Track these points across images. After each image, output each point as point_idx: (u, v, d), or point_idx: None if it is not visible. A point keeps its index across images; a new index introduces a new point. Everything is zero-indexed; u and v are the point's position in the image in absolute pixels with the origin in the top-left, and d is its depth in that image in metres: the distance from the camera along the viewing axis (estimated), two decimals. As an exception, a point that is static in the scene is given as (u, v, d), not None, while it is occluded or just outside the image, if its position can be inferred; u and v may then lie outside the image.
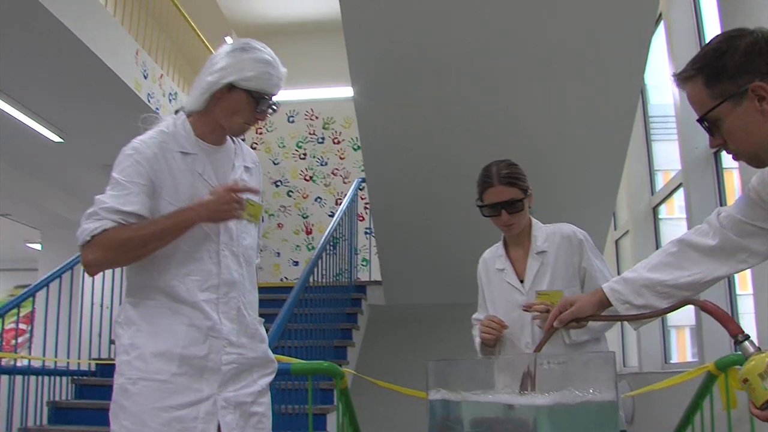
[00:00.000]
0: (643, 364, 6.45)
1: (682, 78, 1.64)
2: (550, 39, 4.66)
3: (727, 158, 5.06)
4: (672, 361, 6.37)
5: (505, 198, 2.70)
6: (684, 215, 5.62)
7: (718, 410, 4.14)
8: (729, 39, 1.60)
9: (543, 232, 2.80)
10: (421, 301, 7.72)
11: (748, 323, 4.48)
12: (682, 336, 6.63)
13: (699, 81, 1.60)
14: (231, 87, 2.20)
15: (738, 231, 1.83)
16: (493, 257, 2.91)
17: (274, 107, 2.32)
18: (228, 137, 2.36)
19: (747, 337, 1.46)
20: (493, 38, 4.70)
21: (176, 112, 2.32)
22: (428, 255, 6.74)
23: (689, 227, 5.21)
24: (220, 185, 2.20)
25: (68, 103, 7.01)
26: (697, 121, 1.63)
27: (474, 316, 2.92)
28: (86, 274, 2.17)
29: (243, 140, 2.50)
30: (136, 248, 2.09)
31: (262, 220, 2.49)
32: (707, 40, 5.12)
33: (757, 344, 1.45)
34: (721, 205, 5.09)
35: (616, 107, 5.19)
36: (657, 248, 6.52)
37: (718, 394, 4.08)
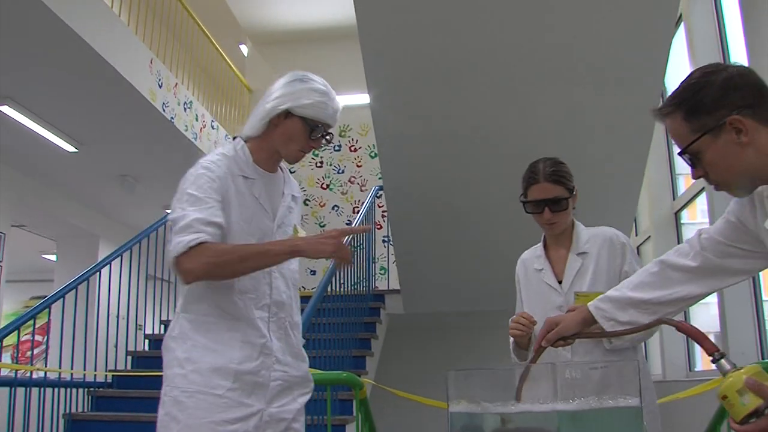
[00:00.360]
0: (667, 372, 6.35)
1: (663, 113, 1.70)
2: (568, 43, 4.61)
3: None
4: (697, 369, 6.26)
5: (550, 195, 2.67)
6: (707, 219, 5.52)
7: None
8: (705, 75, 1.67)
9: (585, 234, 2.77)
10: (440, 310, 7.66)
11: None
12: (707, 344, 6.52)
13: (678, 116, 1.67)
14: (288, 114, 2.31)
15: (718, 253, 1.87)
16: (532, 257, 2.87)
17: (329, 137, 2.40)
18: (279, 166, 2.46)
19: (723, 355, 1.50)
20: (509, 44, 4.65)
21: (234, 138, 2.45)
22: (447, 263, 6.68)
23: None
24: (271, 210, 2.36)
25: (82, 112, 7.02)
26: (679, 154, 1.69)
27: (511, 318, 2.87)
28: (182, 281, 2.19)
29: (291, 171, 2.61)
30: (233, 262, 2.16)
31: None
32: (729, 42, 5.06)
33: (733, 362, 1.48)
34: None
35: (636, 110, 5.12)
36: (680, 254, 6.42)
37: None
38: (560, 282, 2.75)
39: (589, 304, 2.01)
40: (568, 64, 4.78)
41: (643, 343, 2.80)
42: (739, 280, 1.90)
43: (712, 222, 5.13)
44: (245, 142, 2.39)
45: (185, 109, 8.14)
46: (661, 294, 1.92)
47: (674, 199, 6.57)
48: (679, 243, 6.46)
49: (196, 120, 8.51)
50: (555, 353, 2.68)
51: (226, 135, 9.65)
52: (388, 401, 6.23)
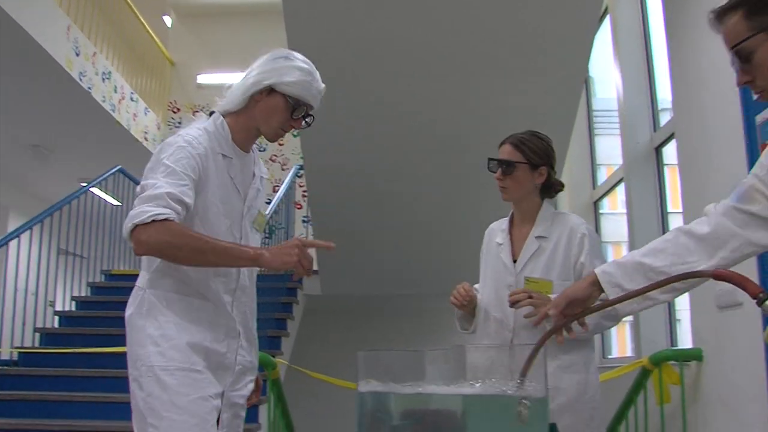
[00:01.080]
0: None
1: (724, 10, 1.68)
2: (495, 30, 4.61)
3: (668, 154, 5.08)
4: (611, 356, 6.38)
5: (505, 157, 2.69)
6: (625, 210, 5.61)
7: (652, 405, 4.13)
8: None
9: (549, 218, 2.73)
10: (358, 292, 7.64)
11: (686, 319, 4.49)
12: (623, 332, 6.65)
13: (739, 13, 1.66)
14: (270, 90, 2.25)
15: (734, 219, 1.79)
16: (497, 230, 2.85)
17: (310, 119, 2.34)
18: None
19: None
20: (436, 31, 4.63)
21: (211, 113, 2.34)
22: (366, 245, 6.64)
23: (629, 223, 5.21)
24: (242, 191, 2.31)
25: (-5, 79, 6.71)
26: (731, 50, 1.67)
27: (475, 285, 2.85)
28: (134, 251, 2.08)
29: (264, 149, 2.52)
30: (190, 250, 2.07)
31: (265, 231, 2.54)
32: (651, 35, 5.12)
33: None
34: (661, 201, 5.12)
35: (560, 99, 5.16)
36: (597, 242, 6.53)
37: (652, 389, 4.07)
38: (515, 261, 2.72)
39: (596, 269, 1.90)
40: (494, 52, 4.78)
41: (592, 339, 2.76)
42: (753, 251, 1.79)
43: (629, 213, 5.22)
44: (223, 117, 2.31)
45: (103, 80, 7.88)
46: (672, 261, 1.80)
47: (594, 188, 6.66)
48: (597, 231, 6.57)
49: (115, 91, 8.25)
50: (501, 333, 2.66)
51: (146, 108, 9.40)
52: (303, 383, 6.17)
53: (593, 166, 6.78)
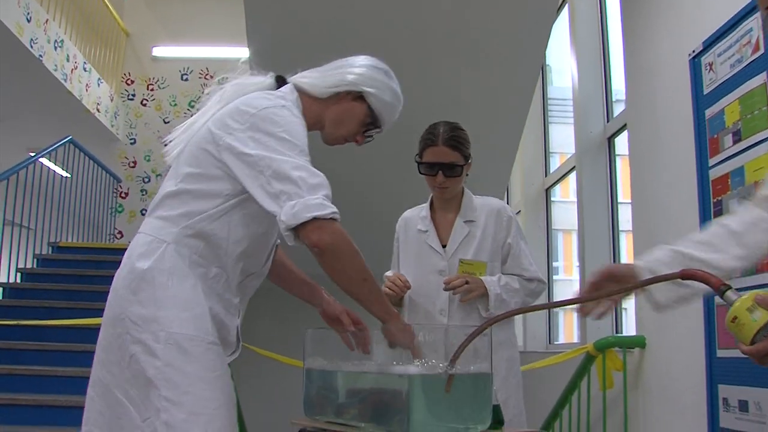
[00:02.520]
0: (528, 343, 6.53)
1: None
2: (451, 17, 4.62)
3: (620, 144, 5.15)
4: (557, 342, 6.47)
5: (445, 160, 2.70)
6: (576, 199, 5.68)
7: (595, 390, 4.21)
8: None
9: (473, 201, 2.82)
10: (308, 270, 7.60)
11: (632, 308, 4.56)
12: (570, 318, 6.75)
13: None
14: (359, 97, 2.12)
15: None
16: (415, 217, 2.88)
17: (370, 138, 2.21)
18: None
19: (729, 287, 1.44)
20: (395, 17, 4.63)
21: (279, 78, 2.16)
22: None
23: (579, 211, 5.27)
24: None
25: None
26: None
27: (385, 274, 2.87)
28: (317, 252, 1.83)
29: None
30: (358, 275, 1.87)
31: None
32: (609, 26, 5.16)
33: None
34: (611, 191, 5.19)
35: (515, 87, 5.19)
36: (548, 229, 6.60)
37: (596, 374, 4.15)
38: (445, 246, 2.78)
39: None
40: (450, 37, 4.79)
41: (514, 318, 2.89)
42: None
43: (579, 201, 5.28)
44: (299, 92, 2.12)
45: (56, 48, 7.71)
46: (707, 251, 1.72)
47: (546, 175, 6.72)
48: (548, 219, 6.65)
49: (67, 60, 8.08)
50: (432, 318, 2.72)
51: (99, 78, 9.22)
52: (251, 360, 6.15)
53: (546, 154, 6.84)
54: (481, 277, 2.71)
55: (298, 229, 1.78)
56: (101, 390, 1.89)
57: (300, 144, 1.89)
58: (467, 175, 2.81)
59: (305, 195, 1.79)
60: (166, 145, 2.12)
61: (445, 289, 2.66)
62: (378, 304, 1.88)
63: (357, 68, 2.15)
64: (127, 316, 1.87)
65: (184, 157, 2.00)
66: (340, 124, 2.15)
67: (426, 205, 2.88)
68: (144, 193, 10.21)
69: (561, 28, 5.91)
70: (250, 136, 1.88)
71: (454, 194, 2.80)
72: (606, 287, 1.75)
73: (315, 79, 2.14)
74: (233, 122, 1.92)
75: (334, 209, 1.81)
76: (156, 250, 1.91)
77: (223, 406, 1.83)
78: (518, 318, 7.19)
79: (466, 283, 2.64)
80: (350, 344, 1.99)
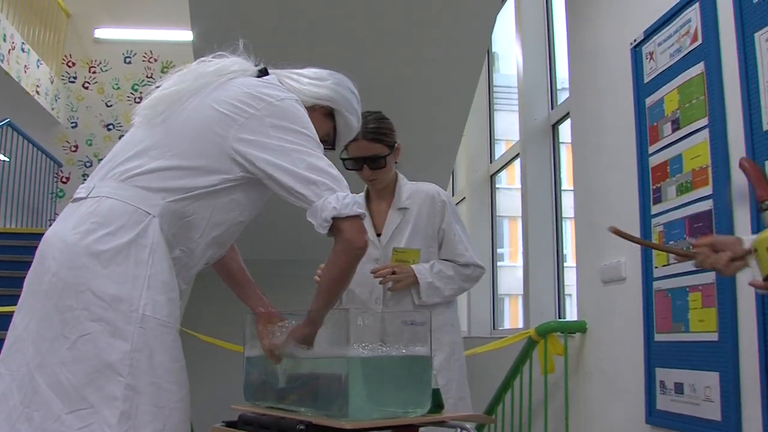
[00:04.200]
0: (472, 329, 6.59)
1: None
2: (396, 1, 4.61)
3: (563, 132, 5.20)
4: (501, 328, 6.54)
5: (368, 153, 2.70)
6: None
7: (537, 375, 4.26)
8: None
9: (407, 189, 2.82)
10: (250, 257, 7.54)
11: (575, 293, 4.62)
12: (515, 304, 6.82)
13: None
14: (330, 114, 2.12)
15: None
16: None
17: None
18: None
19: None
20: None
21: (263, 71, 2.12)
22: (263, 210, 6.57)
23: (523, 197, 5.32)
24: None
25: None
26: None
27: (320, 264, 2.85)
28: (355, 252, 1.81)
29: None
30: (344, 278, 1.85)
31: None
32: (554, 14, 5.20)
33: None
34: (555, 178, 5.25)
35: (460, 72, 5.21)
36: (492, 216, 6.66)
37: (537, 359, 4.20)
38: (379, 235, 2.80)
39: None
40: (395, 21, 4.78)
41: (455, 300, 2.93)
42: None
43: (523, 188, 5.33)
44: None
45: (4, 39, 7.50)
46: None
47: (491, 162, 6.77)
48: (492, 206, 6.70)
49: (4, 41, 7.85)
50: (367, 306, 2.73)
51: (38, 60, 8.99)
52: (192, 346, 6.08)
53: (491, 141, 6.89)
54: (413, 266, 2.73)
55: (337, 220, 1.77)
56: (15, 367, 1.70)
57: (310, 134, 1.88)
58: (396, 162, 2.83)
59: (339, 189, 1.80)
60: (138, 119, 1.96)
61: (373, 275, 2.69)
62: (324, 309, 1.83)
63: (339, 87, 2.15)
64: (90, 289, 1.68)
65: (178, 131, 1.87)
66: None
67: (362, 195, 2.89)
68: (86, 177, 9.98)
69: (508, 15, 5.94)
70: (273, 125, 1.85)
71: (385, 184, 2.82)
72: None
73: (299, 83, 2.11)
74: (248, 107, 1.87)
75: (358, 207, 1.80)
76: (139, 222, 1.76)
77: (184, 399, 1.74)
78: (462, 302, 7.25)
79: (393, 273, 2.67)
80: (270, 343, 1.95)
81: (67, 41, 10.30)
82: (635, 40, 3.28)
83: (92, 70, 10.24)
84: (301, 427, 1.63)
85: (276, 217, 6.77)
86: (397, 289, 2.71)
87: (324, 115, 2.10)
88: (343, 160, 2.74)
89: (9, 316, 1.86)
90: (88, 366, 1.63)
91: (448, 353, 2.79)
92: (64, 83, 10.13)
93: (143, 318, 1.68)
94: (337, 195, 1.78)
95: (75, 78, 10.23)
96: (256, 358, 1.94)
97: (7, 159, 7.89)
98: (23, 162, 8.19)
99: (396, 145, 2.78)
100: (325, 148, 2.00)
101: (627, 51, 3.35)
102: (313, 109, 2.05)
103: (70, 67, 10.26)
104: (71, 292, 1.68)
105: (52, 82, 9.58)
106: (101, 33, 10.35)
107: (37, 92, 9.00)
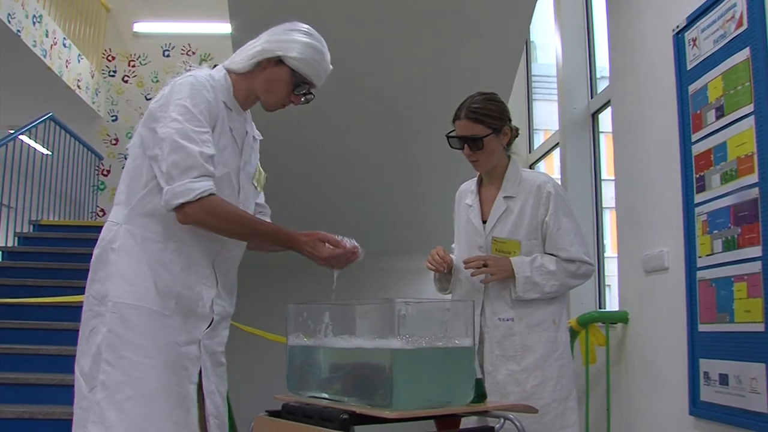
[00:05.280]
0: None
1: None
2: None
3: (604, 121, 5.15)
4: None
5: (467, 133, 2.65)
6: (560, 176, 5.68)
7: (578, 365, 4.23)
8: None
9: (517, 176, 2.72)
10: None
11: (616, 284, 4.58)
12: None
13: None
14: (279, 61, 2.23)
15: None
16: (466, 191, 2.85)
17: (311, 96, 2.34)
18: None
19: None
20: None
21: (214, 66, 2.33)
22: (301, 200, 6.60)
23: (562, 187, 5.27)
24: (240, 146, 2.29)
25: None
26: None
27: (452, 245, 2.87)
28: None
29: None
30: (238, 231, 2.17)
31: None
32: (594, 1, 5.14)
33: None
34: (595, 168, 5.20)
35: (500, 61, 5.18)
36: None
37: (579, 349, 4.17)
38: (485, 222, 2.73)
39: None
40: (435, 12, 4.76)
41: (563, 296, 2.79)
42: None
43: (563, 178, 5.28)
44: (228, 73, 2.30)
45: (34, 23, 7.59)
46: None
47: (530, 152, 6.72)
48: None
49: (46, 36, 7.97)
50: (470, 295, 2.67)
51: (79, 55, 9.11)
52: (234, 336, 6.13)
53: (530, 131, 6.84)
54: (512, 258, 2.63)
55: (178, 213, 2.06)
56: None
57: (192, 107, 2.09)
58: (507, 147, 2.75)
59: (176, 180, 2.03)
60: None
61: (465, 266, 2.62)
62: (275, 237, 2.19)
63: (273, 35, 2.27)
64: (90, 294, 2.12)
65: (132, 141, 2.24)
66: (269, 92, 2.28)
67: (476, 179, 2.84)
68: (126, 170, 10.11)
69: (545, 3, 5.88)
70: (161, 108, 2.13)
71: (489, 167, 2.74)
72: None
73: (236, 57, 2.28)
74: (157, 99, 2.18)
75: (198, 191, 2.02)
76: (109, 232, 2.16)
77: (158, 368, 2.02)
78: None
79: (485, 265, 2.57)
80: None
81: (107, 36, 10.43)
82: (678, 27, 3.23)
83: (131, 63, 10.35)
84: (345, 416, 1.64)
85: (317, 209, 6.80)
86: (490, 281, 2.61)
87: (275, 65, 2.24)
88: (448, 137, 2.71)
89: (55, 307, 2.15)
90: (95, 352, 2.05)
91: (545, 352, 2.64)
92: (105, 77, 10.26)
93: (114, 305, 2.05)
94: (165, 190, 2.08)
95: (115, 72, 10.36)
96: (300, 348, 1.95)
97: (50, 153, 8.01)
98: (65, 155, 8.31)
99: (504, 129, 2.71)
100: (304, 89, 2.27)
101: (669, 38, 3.30)
102: (262, 68, 2.24)
103: (110, 61, 10.38)
104: (85, 300, 2.15)
105: (92, 77, 9.70)
106: (140, 27, 10.45)
107: (78, 86, 9.12)
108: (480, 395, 1.85)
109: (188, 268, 2.15)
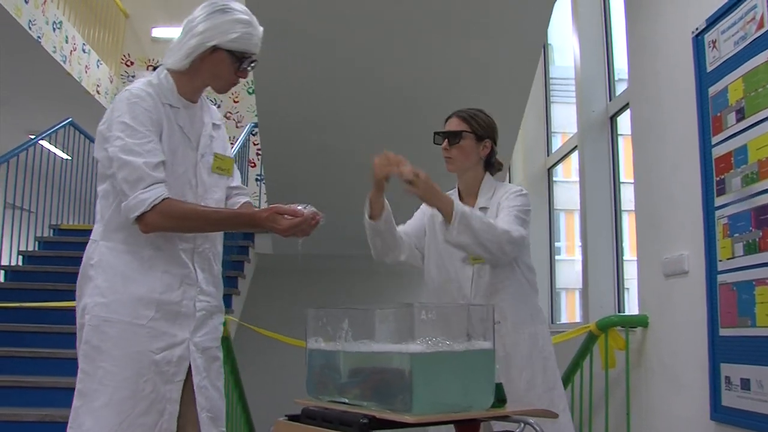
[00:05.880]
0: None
1: None
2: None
3: (623, 124, 5.12)
4: (560, 322, 6.47)
5: (451, 128, 2.78)
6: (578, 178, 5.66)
7: (597, 369, 4.21)
8: None
9: (491, 189, 2.81)
10: (309, 251, 7.62)
11: (634, 287, 4.55)
12: (572, 298, 6.75)
13: None
14: (215, 49, 2.28)
15: None
16: None
17: (254, 63, 2.37)
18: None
19: None
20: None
21: (155, 68, 2.41)
22: (318, 204, 6.57)
23: (581, 190, 5.25)
24: (194, 139, 2.34)
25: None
26: None
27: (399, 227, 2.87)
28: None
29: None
30: (196, 227, 2.27)
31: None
32: (611, 4, 5.12)
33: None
34: (614, 170, 5.17)
35: (517, 63, 5.16)
36: (549, 210, 6.59)
37: (598, 353, 4.15)
38: None
39: None
40: (452, 13, 4.75)
41: (534, 291, 2.87)
42: None
43: (581, 181, 5.26)
44: (168, 71, 2.34)
45: (54, 30, 7.66)
46: None
47: (548, 155, 6.70)
48: (550, 199, 6.63)
49: (66, 42, 8.04)
50: (458, 299, 2.70)
51: (98, 60, 9.18)
52: (253, 340, 6.17)
53: (548, 134, 6.82)
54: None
55: (139, 225, 2.17)
56: None
57: (132, 122, 2.17)
58: (482, 158, 2.82)
59: (129, 195, 2.14)
60: None
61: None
62: (236, 221, 2.33)
63: (195, 27, 2.29)
64: (79, 309, 2.26)
65: None
66: (216, 77, 2.34)
67: (454, 192, 2.88)
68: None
69: (563, 6, 5.86)
70: (108, 128, 2.23)
71: (459, 168, 2.81)
72: None
73: (172, 56, 2.32)
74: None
75: (150, 200, 2.12)
76: (89, 248, 2.29)
77: (130, 378, 2.13)
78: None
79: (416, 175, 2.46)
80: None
81: (126, 41, 10.51)
82: (697, 29, 3.21)
83: (150, 68, 10.41)
84: (365, 420, 1.64)
85: (334, 213, 6.79)
86: (411, 191, 2.48)
87: (212, 53, 2.28)
88: (435, 134, 2.81)
89: (74, 311, 2.28)
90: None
91: (530, 346, 2.72)
92: (123, 82, 10.32)
93: (91, 317, 2.19)
94: (122, 206, 2.21)
95: (133, 77, 10.28)
96: (319, 352, 1.95)
97: (69, 157, 8.07)
98: (84, 160, 8.37)
99: (485, 141, 2.80)
100: (246, 62, 2.31)
101: (688, 40, 3.28)
102: (200, 61, 2.28)
103: (128, 66, 10.46)
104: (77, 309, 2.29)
105: (111, 82, 9.77)
106: (158, 32, 10.52)
107: (98, 92, 9.19)
108: (500, 399, 1.84)
109: (168, 272, 2.24)
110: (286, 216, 2.26)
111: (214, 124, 2.46)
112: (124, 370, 2.14)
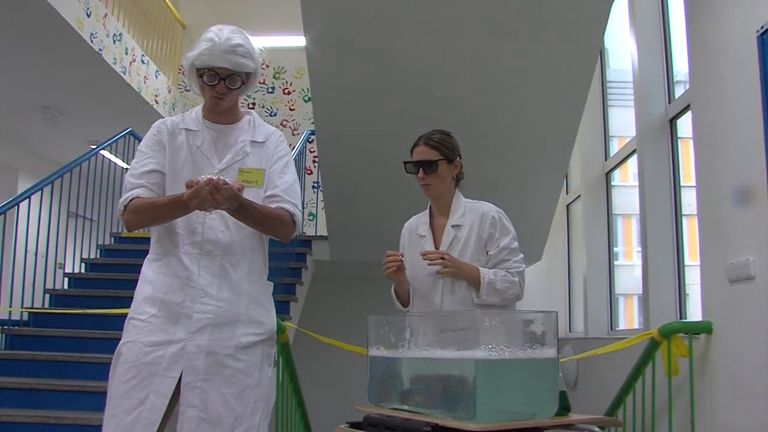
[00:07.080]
0: (589, 329, 6.45)
1: None
2: (509, 1, 4.56)
3: (682, 127, 5.03)
4: (618, 328, 6.38)
5: (424, 157, 2.91)
6: (637, 183, 5.57)
7: (660, 377, 4.13)
8: None
9: (462, 207, 2.96)
10: (366, 258, 7.63)
11: (694, 293, 4.47)
12: (630, 304, 6.64)
13: None
14: (189, 72, 2.52)
15: None
16: (417, 223, 3.08)
17: (229, 81, 2.47)
18: (246, 117, 2.65)
19: None
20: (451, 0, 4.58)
21: None
22: (375, 211, 6.62)
23: (641, 195, 5.17)
24: (217, 155, 2.51)
25: (3, 38, 6.65)
26: None
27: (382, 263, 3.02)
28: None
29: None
30: (152, 217, 2.43)
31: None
32: (669, 5, 5.04)
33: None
34: (674, 174, 5.08)
35: (575, 67, 5.11)
36: (608, 214, 6.50)
37: (660, 361, 4.07)
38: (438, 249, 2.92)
39: None
40: (509, 20, 4.73)
41: (516, 306, 2.96)
42: None
43: (641, 185, 5.18)
44: None
45: (114, 42, 7.82)
46: None
47: (606, 159, 6.61)
48: (608, 204, 6.54)
49: (126, 53, 8.20)
50: (429, 303, 2.83)
51: (157, 70, 9.35)
52: (311, 346, 6.19)
53: (606, 138, 6.73)
54: (480, 267, 2.81)
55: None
56: None
57: (142, 148, 2.51)
58: (456, 179, 2.97)
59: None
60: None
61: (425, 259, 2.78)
62: (175, 205, 2.32)
63: (184, 63, 2.56)
64: None
65: None
66: (203, 95, 2.52)
67: (426, 212, 3.06)
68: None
69: (618, 9, 5.79)
70: None
71: (438, 192, 2.95)
72: None
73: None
74: None
75: (122, 202, 2.41)
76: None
77: (118, 366, 2.35)
78: (578, 303, 7.11)
79: (442, 258, 2.73)
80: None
81: (183, 51, 10.66)
82: (762, 27, 3.14)
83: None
84: (428, 428, 1.63)
85: (391, 220, 6.81)
86: (445, 273, 2.78)
87: (200, 76, 2.47)
88: (405, 163, 2.94)
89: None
90: None
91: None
92: (181, 92, 10.49)
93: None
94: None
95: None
96: (381, 359, 1.95)
97: (129, 167, 8.21)
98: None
99: (456, 161, 2.94)
100: (213, 82, 2.45)
101: (753, 39, 3.21)
102: (202, 90, 2.50)
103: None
104: None
105: (169, 92, 9.94)
106: (215, 42, 10.65)
107: (156, 101, 9.35)
108: (564, 407, 1.82)
109: (175, 275, 2.40)
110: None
111: (253, 142, 2.58)
112: (123, 355, 2.35)
